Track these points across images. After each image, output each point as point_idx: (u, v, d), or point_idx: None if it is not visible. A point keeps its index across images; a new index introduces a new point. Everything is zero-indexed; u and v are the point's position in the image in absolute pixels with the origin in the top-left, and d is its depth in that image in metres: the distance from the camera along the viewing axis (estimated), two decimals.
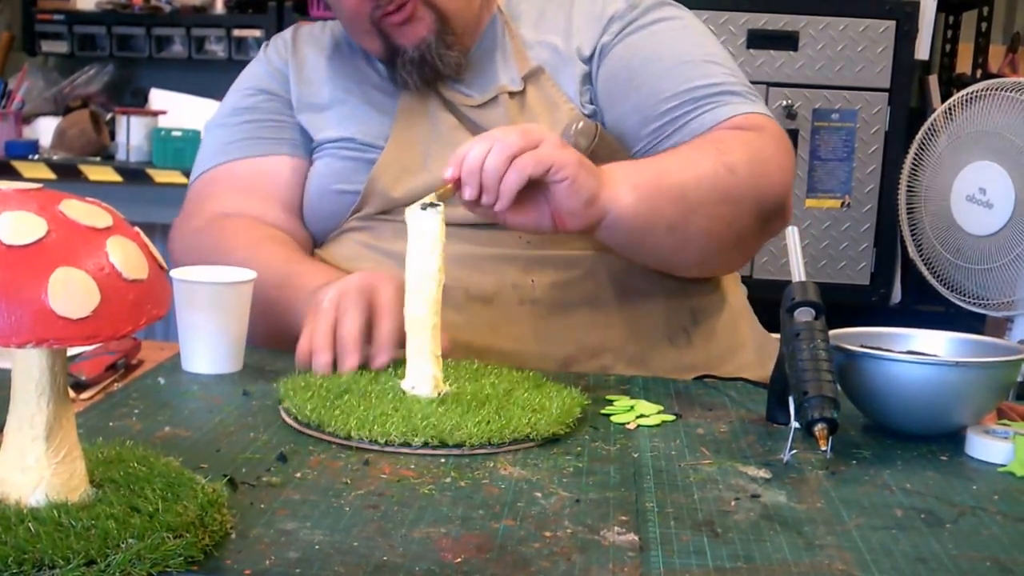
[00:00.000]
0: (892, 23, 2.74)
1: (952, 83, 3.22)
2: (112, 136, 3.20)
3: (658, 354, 1.28)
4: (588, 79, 1.33)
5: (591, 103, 1.33)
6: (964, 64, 3.29)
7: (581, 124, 1.27)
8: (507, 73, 1.35)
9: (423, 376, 1.00)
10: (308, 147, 1.38)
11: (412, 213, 1.01)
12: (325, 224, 1.36)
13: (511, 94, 1.33)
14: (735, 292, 1.41)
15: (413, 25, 1.30)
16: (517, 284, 1.25)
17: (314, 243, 1.39)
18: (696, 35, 1.37)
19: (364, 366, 1.08)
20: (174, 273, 1.11)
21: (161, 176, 2.94)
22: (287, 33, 1.47)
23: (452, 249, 1.12)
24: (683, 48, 1.33)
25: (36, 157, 3.07)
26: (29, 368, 0.68)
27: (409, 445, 0.90)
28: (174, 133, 3.00)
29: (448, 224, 1.09)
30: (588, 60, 1.33)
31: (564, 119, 1.30)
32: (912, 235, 2.64)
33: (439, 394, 1.00)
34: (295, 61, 1.42)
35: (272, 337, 1.24)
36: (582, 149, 1.23)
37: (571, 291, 1.27)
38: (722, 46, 1.39)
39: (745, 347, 1.36)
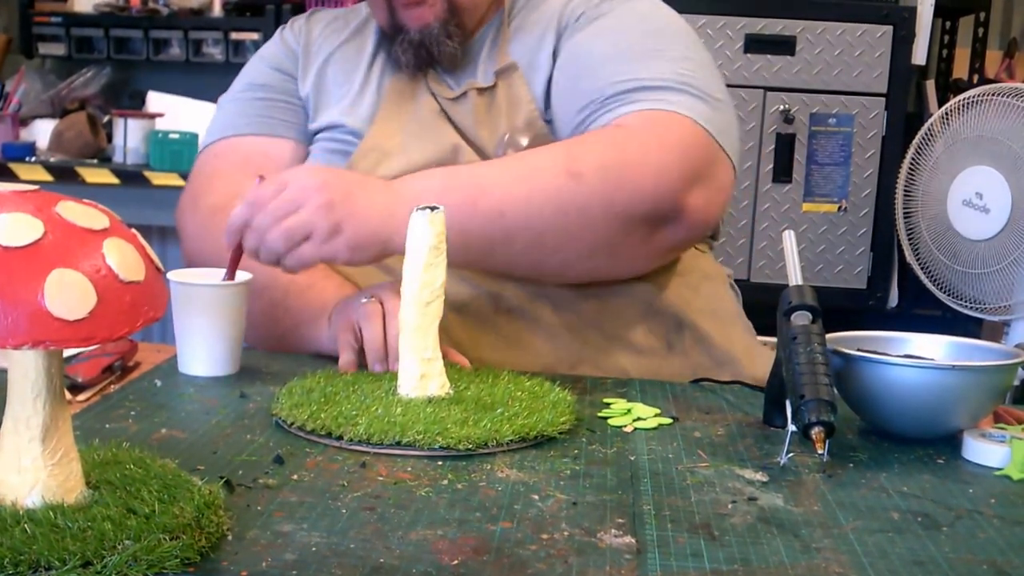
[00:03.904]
0: (889, 28, 2.74)
1: (949, 88, 3.22)
2: (109, 138, 3.20)
3: (638, 365, 1.27)
4: (549, 80, 1.31)
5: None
6: (961, 69, 3.29)
7: (508, 136, 1.26)
8: (484, 68, 1.34)
9: (417, 378, 1.00)
10: (309, 136, 1.40)
11: (412, 214, 1.01)
12: None
13: (480, 90, 1.32)
14: (724, 300, 1.38)
15: (422, 8, 1.31)
16: (493, 293, 1.25)
17: None
18: (649, 26, 1.29)
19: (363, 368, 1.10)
20: (171, 275, 1.11)
21: (158, 178, 2.94)
22: (303, 16, 1.49)
23: None
24: (622, 43, 1.26)
25: (33, 159, 3.07)
26: (25, 369, 0.68)
27: (401, 445, 0.90)
28: (171, 136, 3.00)
29: None
30: (550, 58, 1.31)
31: (523, 119, 1.28)
32: (909, 239, 2.64)
33: (437, 396, 1.00)
34: (307, 42, 1.43)
35: (274, 338, 1.26)
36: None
37: (548, 300, 1.26)
38: (689, 38, 1.30)
39: (734, 358, 1.32)
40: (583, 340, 1.26)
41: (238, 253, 1.13)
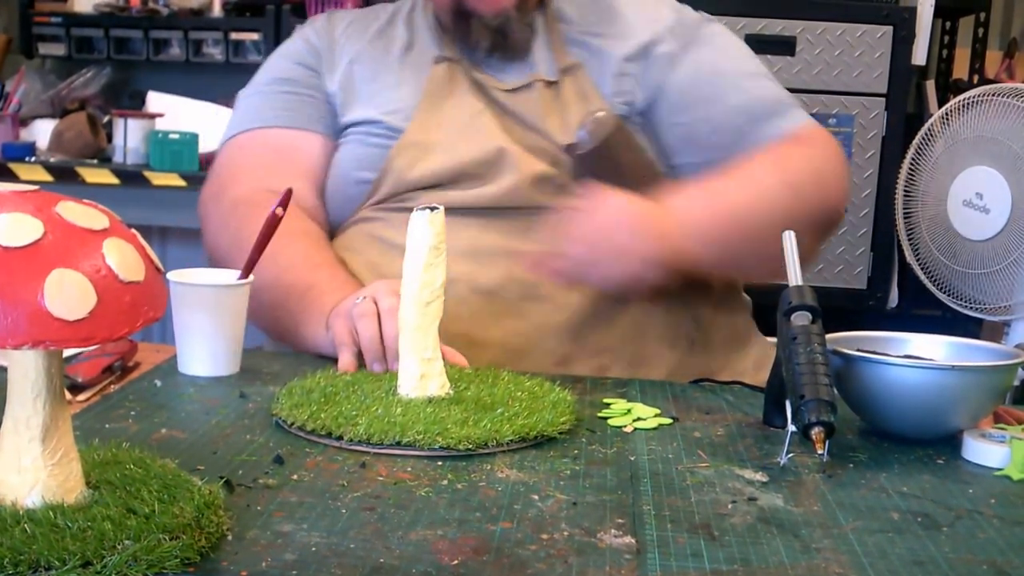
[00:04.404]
0: (889, 28, 2.74)
1: (949, 88, 3.22)
2: (109, 138, 3.20)
3: (657, 358, 1.29)
4: (628, 79, 1.36)
5: (625, 104, 1.36)
6: (961, 69, 3.29)
7: (599, 115, 1.30)
8: (544, 63, 1.38)
9: (417, 378, 1.00)
10: (337, 130, 1.40)
11: (412, 214, 1.01)
12: (340, 212, 1.38)
13: (547, 83, 1.36)
14: (740, 301, 1.43)
15: None
16: (523, 280, 1.27)
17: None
18: (746, 51, 1.45)
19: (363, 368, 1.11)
20: (171, 275, 1.11)
21: (158, 179, 2.94)
22: (322, 15, 1.50)
23: (460, 241, 1.22)
24: (740, 63, 1.42)
25: (33, 159, 3.07)
26: (25, 370, 0.68)
27: (401, 445, 0.90)
28: (171, 136, 2.99)
29: (458, 212, 1.21)
30: (632, 60, 1.37)
31: (596, 108, 1.33)
32: (909, 239, 2.64)
33: (437, 396, 1.00)
34: (330, 40, 1.44)
35: (277, 335, 1.30)
36: (599, 138, 1.27)
37: (575, 290, 1.28)
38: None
39: (746, 356, 1.37)
40: (606, 330, 1.28)
41: (260, 249, 1.14)
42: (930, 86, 3.12)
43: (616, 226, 1.19)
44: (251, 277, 1.16)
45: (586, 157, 1.28)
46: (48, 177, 2.96)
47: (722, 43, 1.43)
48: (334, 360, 1.15)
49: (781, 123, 1.35)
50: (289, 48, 1.48)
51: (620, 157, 1.30)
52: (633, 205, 1.21)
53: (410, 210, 1.30)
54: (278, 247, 1.23)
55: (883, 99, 2.77)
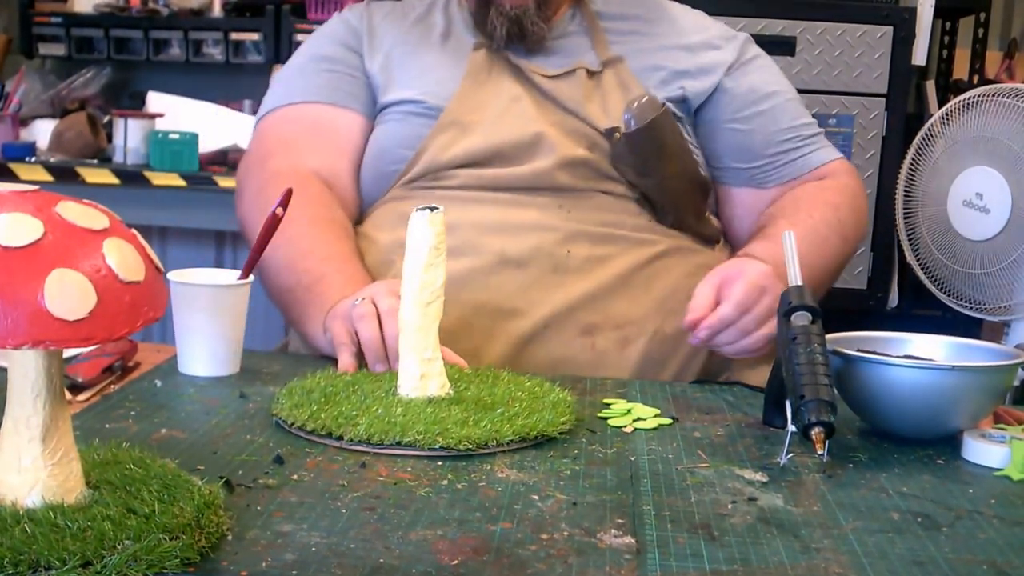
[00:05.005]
0: (889, 29, 2.74)
1: (949, 89, 3.22)
2: (109, 139, 3.20)
3: (680, 336, 1.30)
4: (678, 75, 1.42)
5: (672, 99, 1.40)
6: (961, 70, 3.29)
7: (645, 99, 1.34)
8: (587, 56, 1.42)
9: (417, 378, 1.00)
10: (376, 111, 1.43)
11: (412, 214, 1.01)
12: (374, 190, 1.41)
13: (589, 72, 1.41)
14: None
15: None
16: (553, 253, 1.30)
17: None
18: (783, 75, 1.56)
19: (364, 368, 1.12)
20: (171, 275, 1.12)
21: (158, 179, 2.94)
22: (360, 4, 1.54)
23: (491, 216, 1.28)
24: (787, 87, 1.53)
25: (33, 159, 3.07)
26: (25, 369, 0.68)
27: (401, 445, 0.90)
28: (171, 136, 2.99)
29: (492, 189, 1.28)
30: (682, 59, 1.43)
31: (640, 95, 1.37)
32: (909, 240, 2.63)
33: (437, 396, 1.00)
34: (369, 24, 1.48)
35: (289, 321, 1.34)
36: (644, 121, 1.32)
37: (605, 266, 1.31)
38: None
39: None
40: (632, 304, 1.30)
41: (259, 250, 1.14)
42: (930, 86, 3.11)
43: (763, 288, 1.19)
44: (251, 277, 1.16)
45: (630, 138, 1.33)
46: (48, 177, 2.96)
47: (769, 64, 1.53)
48: (334, 360, 1.15)
49: (822, 154, 1.47)
50: (329, 29, 1.51)
51: (663, 141, 1.34)
52: (765, 267, 1.22)
53: (442, 190, 1.35)
54: (301, 231, 1.25)
55: (883, 99, 2.76)
